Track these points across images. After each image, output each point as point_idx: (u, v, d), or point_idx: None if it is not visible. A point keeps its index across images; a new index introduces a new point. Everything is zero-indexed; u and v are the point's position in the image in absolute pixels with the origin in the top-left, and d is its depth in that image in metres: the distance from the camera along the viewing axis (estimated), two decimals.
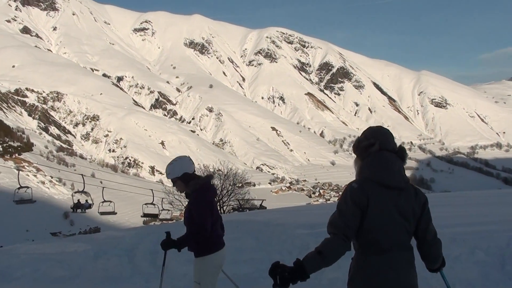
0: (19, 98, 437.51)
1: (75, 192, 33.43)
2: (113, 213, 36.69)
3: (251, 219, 16.34)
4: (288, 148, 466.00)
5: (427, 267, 4.41)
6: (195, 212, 6.16)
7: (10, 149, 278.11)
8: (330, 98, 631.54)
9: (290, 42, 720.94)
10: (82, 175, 33.07)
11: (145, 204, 36.92)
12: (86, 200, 35.43)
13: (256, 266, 10.36)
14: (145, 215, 37.87)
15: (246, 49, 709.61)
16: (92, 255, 13.03)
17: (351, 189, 3.90)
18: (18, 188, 30.63)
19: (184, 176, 6.38)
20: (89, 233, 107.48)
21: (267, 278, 6.51)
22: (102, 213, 36.38)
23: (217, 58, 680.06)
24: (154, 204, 34.88)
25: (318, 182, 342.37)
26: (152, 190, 36.15)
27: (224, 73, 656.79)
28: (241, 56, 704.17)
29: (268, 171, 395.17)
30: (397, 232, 3.87)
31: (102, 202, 34.93)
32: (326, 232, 3.89)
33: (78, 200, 34.78)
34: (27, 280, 11.51)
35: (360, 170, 4.05)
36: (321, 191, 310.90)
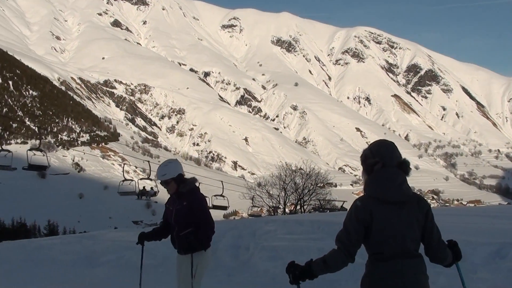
0: (107, 89, 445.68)
1: (141, 179, 33.80)
2: (225, 207, 37.30)
3: (333, 220, 15.14)
4: None
5: (441, 265, 4.62)
6: (199, 210, 6.52)
7: (97, 138, 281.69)
8: (416, 101, 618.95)
9: (379, 42, 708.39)
10: (148, 161, 34.38)
11: (215, 195, 36.69)
12: (152, 188, 35.20)
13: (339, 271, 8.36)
14: (214, 206, 36.45)
15: (333, 47, 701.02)
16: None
17: (355, 207, 4.13)
18: (123, 181, 33.56)
19: (179, 177, 6.63)
20: None
21: (348, 281, 8.87)
22: (215, 206, 36.16)
23: (303, 56, 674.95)
24: (223, 196, 35.10)
25: None
26: (222, 181, 35.94)
27: (310, 71, 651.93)
28: (328, 55, 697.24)
29: (351, 173, 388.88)
30: (401, 242, 4.10)
31: (216, 196, 35.68)
32: (336, 244, 4.25)
33: (144, 187, 34.90)
34: (112, 266, 11.97)
35: (364, 186, 4.29)
36: None
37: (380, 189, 4.15)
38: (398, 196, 4.15)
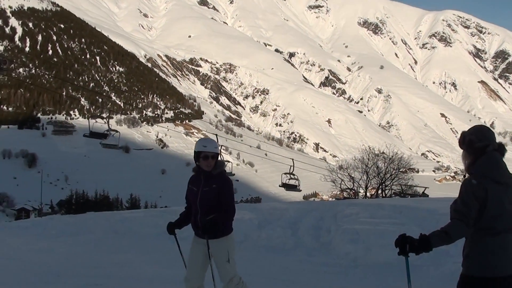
0: (193, 67, 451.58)
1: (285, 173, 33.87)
2: (295, 187, 36.47)
3: (415, 206, 14.75)
4: (456, 136, 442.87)
5: None
6: (228, 193, 6.27)
7: (181, 115, 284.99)
8: (504, 88, 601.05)
9: (467, 27, 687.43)
10: (292, 159, 34.72)
11: (285, 173, 36.04)
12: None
13: (420, 254, 8.31)
14: (284, 185, 36.74)
15: (420, 31, 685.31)
16: (256, 224, 13.82)
17: (472, 185, 4.38)
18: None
19: (216, 155, 6.35)
20: (250, 202, 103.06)
21: (430, 266, 9.33)
22: (285, 185, 36.46)
23: (390, 39, 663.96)
24: (294, 175, 34.07)
25: None
26: (292, 159, 34.82)
27: (396, 54, 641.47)
28: (415, 38, 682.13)
29: (433, 159, 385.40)
30: (509, 219, 4.40)
31: (288, 176, 34.99)
32: (454, 217, 4.41)
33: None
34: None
35: (475, 167, 4.51)
36: None
37: (494, 170, 4.46)
38: (506, 178, 4.49)
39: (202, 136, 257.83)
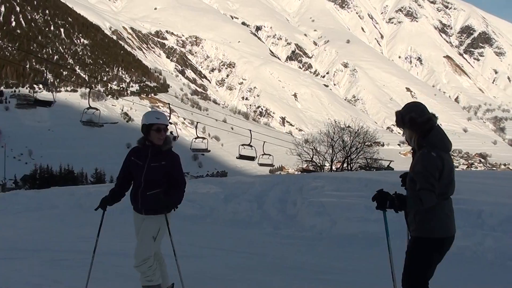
0: (158, 40, 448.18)
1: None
2: (271, 165, 38.02)
3: (380, 179, 14.74)
4: None
5: None
6: (180, 170, 6.21)
7: (147, 89, 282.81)
8: (468, 63, 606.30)
9: (433, 2, 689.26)
10: (250, 130, 35.46)
11: (242, 145, 36.10)
12: (171, 132, 26.93)
13: (383, 226, 8.27)
14: (241, 156, 36.95)
15: (387, 5, 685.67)
16: (222, 198, 13.85)
17: (433, 157, 4.70)
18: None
19: (165, 127, 6.17)
20: (216, 176, 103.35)
21: (395, 238, 8.98)
22: (261, 165, 37.16)
23: (356, 13, 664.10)
24: (251, 146, 34.06)
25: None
26: (250, 130, 35.15)
27: (362, 29, 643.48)
28: (381, 13, 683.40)
29: (399, 133, 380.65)
30: (453, 184, 4.89)
31: (262, 154, 35.38)
32: (426, 188, 4.67)
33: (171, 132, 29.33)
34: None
35: (428, 141, 4.81)
36: None
37: (443, 141, 4.89)
38: (451, 146, 4.99)
39: (168, 110, 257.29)
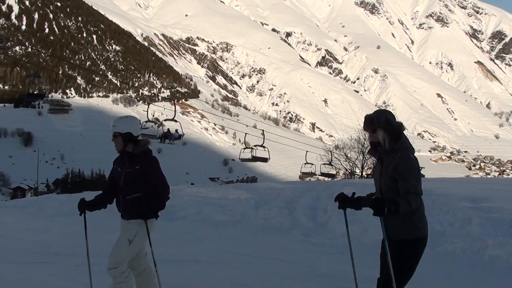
0: (189, 46, 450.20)
1: (165, 120, 29.83)
2: (266, 160, 35.85)
3: None
4: (452, 116, 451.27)
5: None
6: (153, 173, 5.97)
7: (178, 95, 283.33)
8: (500, 68, 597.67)
9: (464, 7, 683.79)
10: (263, 130, 34.79)
11: (255, 145, 35.32)
12: (176, 130, 32.39)
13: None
14: (253, 158, 35.34)
15: (417, 11, 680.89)
16: (253, 204, 13.78)
17: (415, 160, 4.91)
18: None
19: (127, 135, 6.08)
20: (246, 182, 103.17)
21: (427, 246, 9.33)
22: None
23: (386, 18, 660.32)
24: (264, 147, 32.73)
25: (480, 155, 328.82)
26: (263, 131, 34.42)
27: (392, 34, 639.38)
28: (412, 18, 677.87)
29: (429, 139, 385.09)
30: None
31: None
32: (413, 191, 4.76)
33: (168, 129, 32.78)
34: (190, 221, 12.92)
35: (401, 144, 4.96)
36: (482, 164, 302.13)
37: (411, 144, 5.07)
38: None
39: (199, 116, 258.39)
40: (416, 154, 4.73)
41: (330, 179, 39.22)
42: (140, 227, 6.00)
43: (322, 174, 37.72)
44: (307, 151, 35.75)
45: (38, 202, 17.71)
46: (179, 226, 12.48)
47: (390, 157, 4.94)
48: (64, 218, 14.25)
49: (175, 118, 27.80)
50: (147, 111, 36.21)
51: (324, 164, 36.64)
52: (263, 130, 34.87)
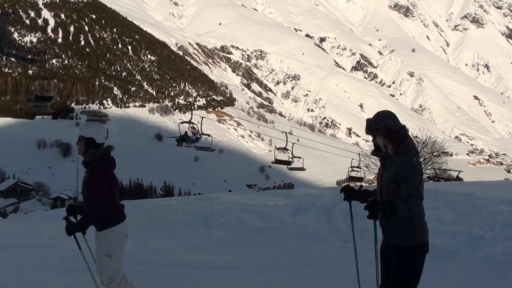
0: (224, 54, 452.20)
1: (181, 123, 31.21)
2: (302, 169, 36.30)
3: (450, 190, 15.08)
4: (489, 119, 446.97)
5: None
6: (93, 183, 5.87)
7: (213, 103, 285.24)
8: None
9: (499, 7, 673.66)
10: (285, 132, 34.71)
11: (277, 148, 34.60)
12: (193, 133, 33.07)
13: (456, 239, 10.49)
14: (276, 161, 34.80)
15: (452, 12, 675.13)
16: (291, 210, 13.81)
17: (418, 164, 4.80)
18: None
19: (89, 140, 6.09)
20: (283, 188, 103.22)
21: (466, 251, 9.85)
22: (291, 169, 36.01)
23: (421, 21, 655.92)
24: (287, 150, 32.76)
25: None
26: (286, 133, 34.07)
27: (427, 37, 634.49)
28: (446, 20, 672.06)
29: (467, 142, 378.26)
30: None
31: (292, 157, 33.89)
32: (414, 194, 4.67)
33: (186, 131, 32.85)
34: (229, 228, 12.81)
35: (405, 147, 4.84)
36: None
37: (416, 148, 4.96)
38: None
39: (235, 123, 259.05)
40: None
41: (358, 183, 37.20)
42: (111, 236, 5.97)
43: (350, 178, 37.32)
44: (352, 159, 35.91)
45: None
46: (218, 233, 12.56)
47: (392, 159, 4.85)
48: None
49: (191, 121, 28.57)
50: (195, 125, 35.88)
51: (277, 148, 35.24)
52: (285, 132, 34.85)
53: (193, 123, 29.30)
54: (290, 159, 34.47)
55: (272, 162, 36.99)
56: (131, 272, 8.73)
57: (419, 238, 4.84)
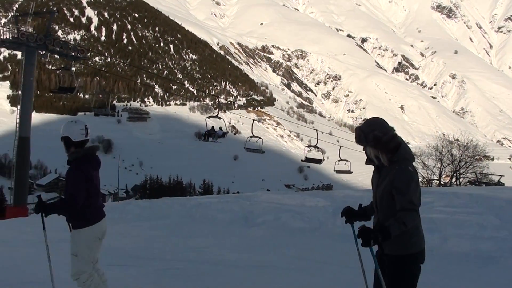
0: (265, 54, 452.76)
1: (208, 117, 32.44)
2: (349, 172, 36.26)
3: (492, 195, 14.67)
4: None
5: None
6: (69, 182, 5.85)
7: (254, 102, 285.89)
8: None
9: None
10: (316, 130, 34.23)
11: (308, 146, 35.71)
12: (220, 128, 33.84)
13: (498, 245, 10.13)
14: (306, 159, 35.45)
15: (495, 14, 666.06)
16: (331, 212, 13.58)
17: (415, 172, 4.62)
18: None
19: (65, 139, 6.01)
20: (321, 189, 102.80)
21: (509, 257, 9.56)
22: (338, 171, 36.63)
23: (464, 23, 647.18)
24: (317, 148, 32.45)
25: None
26: (316, 130, 33.85)
27: (470, 39, 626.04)
28: (490, 22, 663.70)
29: (509, 146, 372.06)
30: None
31: (338, 160, 34.76)
32: (409, 207, 4.54)
33: (212, 126, 33.92)
34: (268, 227, 12.82)
35: (399, 156, 4.63)
36: None
37: (411, 153, 4.75)
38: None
39: (274, 123, 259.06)
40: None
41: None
42: (79, 236, 5.96)
43: (307, 160, 36.11)
44: (317, 130, 34.61)
45: (119, 208, 17.99)
46: (257, 232, 12.55)
47: (387, 169, 4.69)
48: (144, 223, 14.54)
49: (218, 115, 29.47)
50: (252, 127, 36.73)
51: (308, 146, 35.67)
52: (316, 130, 34.33)
53: (220, 118, 29.72)
54: (321, 158, 35.03)
55: (302, 160, 37.27)
56: (173, 268, 8.78)
57: (413, 247, 4.69)
